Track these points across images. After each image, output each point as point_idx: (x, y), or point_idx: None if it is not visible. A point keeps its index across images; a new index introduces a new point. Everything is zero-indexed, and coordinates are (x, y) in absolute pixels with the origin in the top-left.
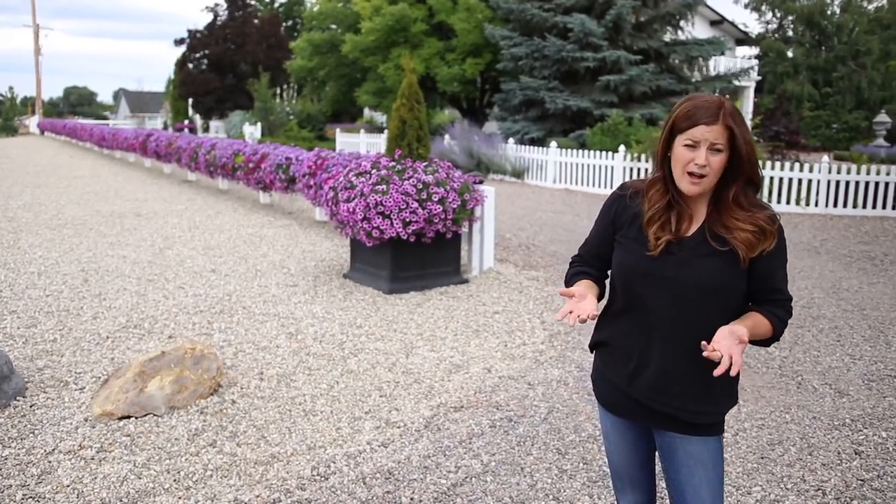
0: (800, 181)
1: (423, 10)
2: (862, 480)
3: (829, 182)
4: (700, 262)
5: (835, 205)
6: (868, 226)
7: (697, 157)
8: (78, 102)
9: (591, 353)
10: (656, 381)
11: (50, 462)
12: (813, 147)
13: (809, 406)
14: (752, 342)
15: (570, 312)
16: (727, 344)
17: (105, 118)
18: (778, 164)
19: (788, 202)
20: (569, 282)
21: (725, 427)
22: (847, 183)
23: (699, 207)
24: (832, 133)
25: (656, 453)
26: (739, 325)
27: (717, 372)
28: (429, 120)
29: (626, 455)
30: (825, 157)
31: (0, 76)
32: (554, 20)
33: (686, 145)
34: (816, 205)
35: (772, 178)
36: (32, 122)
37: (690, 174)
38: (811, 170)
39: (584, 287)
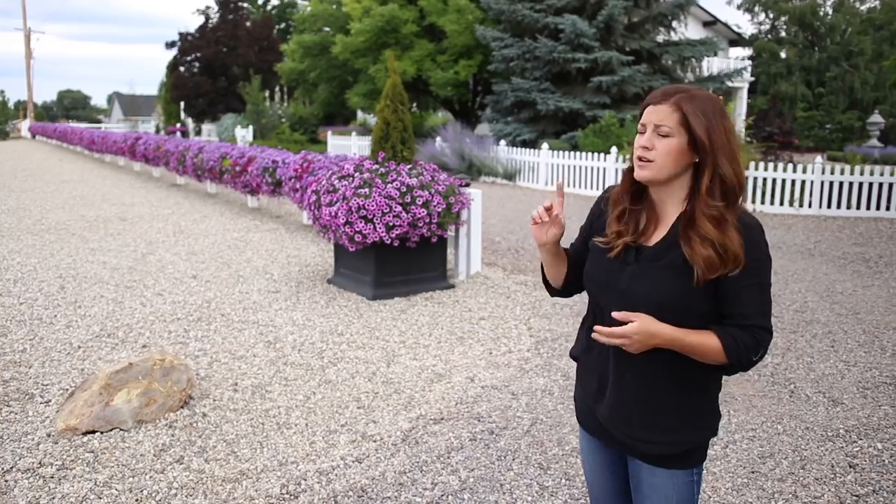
0: (793, 182)
1: (414, 12)
2: (857, 496)
3: (822, 183)
4: (655, 275)
5: (829, 206)
6: (862, 227)
7: (642, 139)
8: (72, 106)
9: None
10: (612, 403)
11: (6, 481)
12: (806, 148)
13: (802, 416)
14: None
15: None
16: (636, 328)
17: (98, 122)
18: (771, 164)
19: (782, 203)
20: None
21: (715, 440)
22: (841, 184)
23: (666, 213)
24: (825, 134)
25: None
26: (669, 328)
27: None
28: (421, 122)
29: (601, 479)
30: (819, 158)
31: None
32: (545, 21)
33: (639, 132)
34: (810, 206)
35: (765, 180)
36: (24, 126)
37: (638, 159)
38: (805, 170)
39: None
